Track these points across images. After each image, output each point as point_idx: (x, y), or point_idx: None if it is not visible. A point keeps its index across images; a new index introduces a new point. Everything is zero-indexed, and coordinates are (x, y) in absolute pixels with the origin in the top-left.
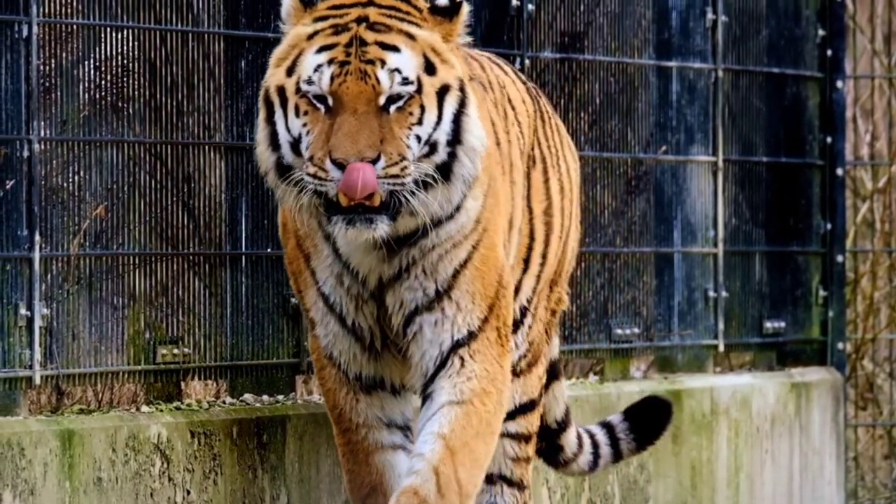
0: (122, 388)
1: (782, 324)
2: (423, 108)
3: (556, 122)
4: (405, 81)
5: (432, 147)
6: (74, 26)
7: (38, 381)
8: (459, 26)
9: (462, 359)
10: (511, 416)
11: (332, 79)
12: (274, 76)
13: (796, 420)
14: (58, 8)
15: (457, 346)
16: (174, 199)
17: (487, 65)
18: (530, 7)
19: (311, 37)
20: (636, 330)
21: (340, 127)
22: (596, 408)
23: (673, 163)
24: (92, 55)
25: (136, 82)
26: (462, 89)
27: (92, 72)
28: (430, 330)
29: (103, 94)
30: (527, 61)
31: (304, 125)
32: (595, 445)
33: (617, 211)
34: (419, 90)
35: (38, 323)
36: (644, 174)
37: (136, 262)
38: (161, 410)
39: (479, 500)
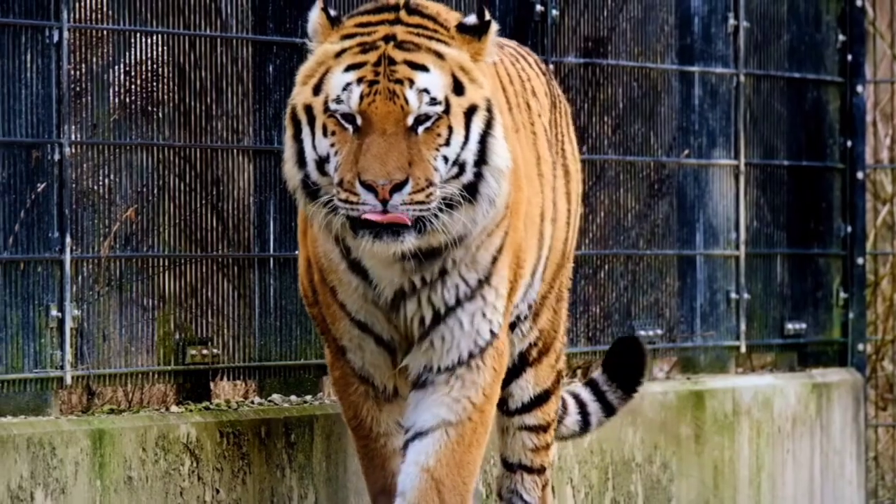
0: (152, 388)
1: (803, 325)
2: (450, 129)
3: (564, 105)
4: (433, 102)
5: (461, 168)
6: (104, 31)
7: (69, 381)
8: (488, 45)
9: (484, 358)
10: (527, 408)
11: (361, 98)
12: (301, 94)
13: (817, 420)
14: (88, 13)
15: (486, 344)
16: (203, 201)
17: (509, 61)
18: (554, 12)
19: (338, 55)
20: (659, 331)
21: (369, 148)
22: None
23: (695, 166)
24: (122, 60)
25: (166, 87)
26: (489, 109)
27: (122, 76)
28: (468, 320)
29: (133, 98)
30: (551, 66)
31: (332, 145)
32: (581, 405)
33: (640, 214)
34: (447, 110)
35: (69, 324)
36: (667, 177)
37: (166, 263)
38: (190, 410)
39: (500, 484)
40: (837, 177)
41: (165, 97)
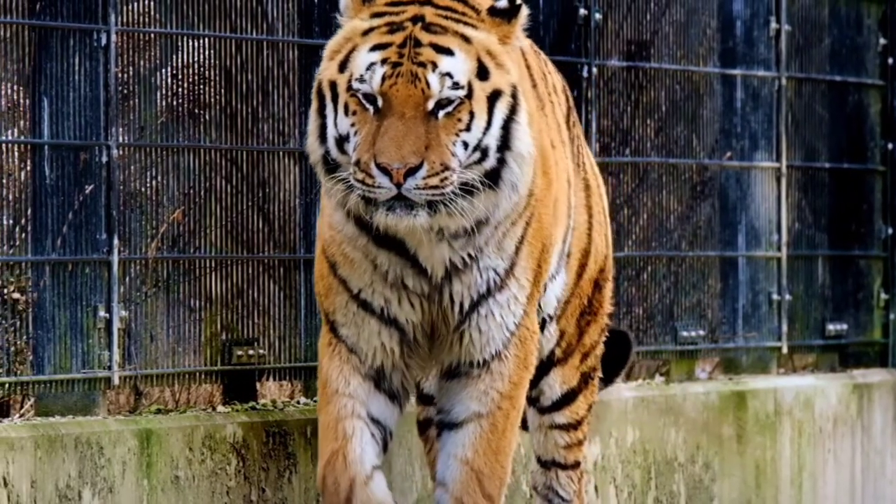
0: (199, 388)
1: (844, 326)
2: (472, 115)
3: (574, 116)
4: (456, 86)
5: (483, 153)
6: (152, 35)
7: (116, 381)
8: (517, 29)
9: (510, 347)
10: (557, 406)
11: (383, 79)
12: (327, 69)
13: (858, 420)
14: (136, 17)
15: (510, 335)
16: (249, 203)
17: (532, 56)
18: (598, 16)
19: (366, 33)
20: (701, 332)
21: (387, 130)
22: (662, 408)
23: (737, 168)
24: (169, 63)
25: (213, 89)
26: (514, 95)
27: (169, 79)
28: (498, 311)
29: (180, 100)
30: (594, 69)
31: (353, 125)
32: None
33: (682, 215)
34: (469, 95)
35: (116, 325)
36: (709, 179)
37: (213, 265)
38: (237, 410)
39: (536, 480)
40: (878, 179)
41: (212, 100)
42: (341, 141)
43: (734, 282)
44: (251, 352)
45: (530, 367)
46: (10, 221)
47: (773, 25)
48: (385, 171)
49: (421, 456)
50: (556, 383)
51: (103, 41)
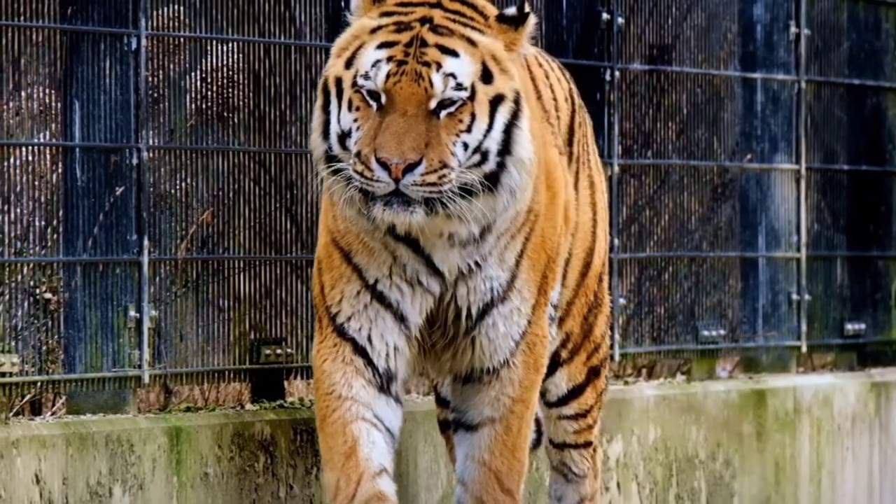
0: (228, 386)
1: (863, 326)
2: (473, 116)
3: (584, 113)
4: (459, 87)
5: (483, 156)
6: (181, 39)
7: (146, 380)
8: (524, 36)
9: (517, 355)
10: (563, 401)
11: (387, 76)
12: (334, 66)
13: (876, 418)
14: (166, 21)
15: (516, 344)
16: (277, 205)
17: (535, 67)
18: (620, 20)
19: (374, 31)
20: (722, 331)
21: (388, 126)
22: (683, 406)
23: (757, 171)
24: (198, 67)
25: (241, 93)
26: (517, 101)
27: (198, 83)
28: (503, 323)
29: (209, 104)
30: (617, 73)
31: (355, 120)
32: (537, 423)
33: (703, 217)
34: (472, 97)
35: (146, 324)
36: (730, 181)
37: (241, 265)
38: (265, 408)
39: (552, 457)
40: None
41: (241, 103)
42: (343, 137)
43: (754, 282)
44: (279, 351)
45: (541, 370)
46: (43, 222)
47: (793, 30)
48: (384, 165)
49: (446, 453)
50: (561, 382)
51: (134, 45)
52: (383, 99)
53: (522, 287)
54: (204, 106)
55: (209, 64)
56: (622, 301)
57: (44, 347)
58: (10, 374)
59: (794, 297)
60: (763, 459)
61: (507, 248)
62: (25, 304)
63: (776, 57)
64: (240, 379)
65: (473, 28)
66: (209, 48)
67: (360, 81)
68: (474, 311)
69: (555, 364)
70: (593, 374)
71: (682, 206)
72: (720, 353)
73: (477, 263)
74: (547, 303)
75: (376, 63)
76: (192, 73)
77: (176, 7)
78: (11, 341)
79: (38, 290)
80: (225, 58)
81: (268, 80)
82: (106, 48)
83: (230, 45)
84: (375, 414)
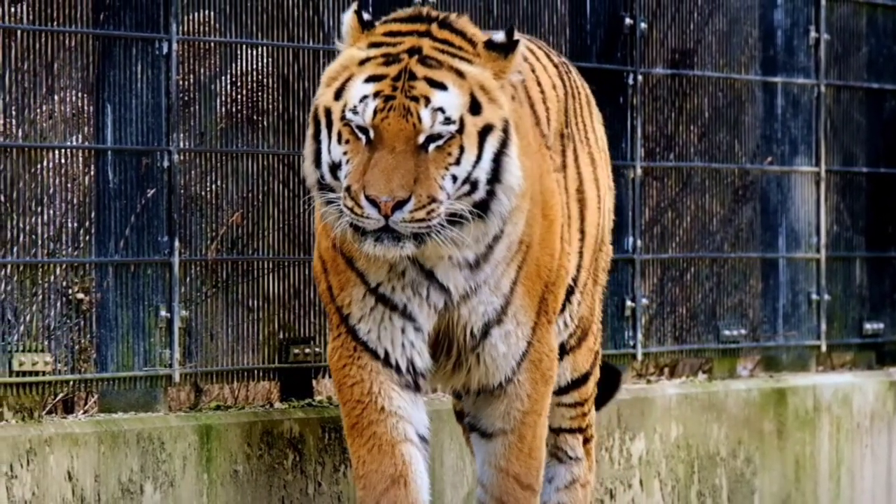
0: (257, 385)
1: (881, 325)
2: (462, 149)
3: (586, 93)
4: (447, 121)
5: (473, 185)
6: (212, 44)
7: (177, 379)
8: (513, 64)
9: (518, 380)
10: (565, 390)
11: (375, 113)
12: (323, 96)
13: (894, 417)
14: (196, 26)
15: (518, 363)
16: (306, 207)
17: (532, 84)
18: (643, 26)
19: (362, 62)
20: (743, 331)
21: (377, 163)
22: (705, 405)
23: (778, 173)
24: (228, 71)
25: (270, 96)
26: (505, 130)
27: (228, 86)
28: (503, 344)
29: (239, 107)
30: (639, 77)
31: (345, 153)
32: None
33: (725, 218)
34: (461, 130)
35: (177, 324)
36: (750, 184)
37: (270, 266)
38: (294, 407)
39: (547, 441)
40: None
41: (270, 107)
42: (334, 168)
43: (775, 282)
44: (307, 350)
45: (550, 382)
46: (75, 224)
47: (813, 35)
48: (373, 202)
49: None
50: (566, 371)
51: (165, 50)
52: (372, 134)
53: (517, 312)
54: (234, 109)
55: (239, 68)
56: (645, 301)
57: (76, 347)
58: (44, 373)
59: (814, 297)
60: (783, 457)
61: (503, 276)
62: (58, 304)
63: (796, 61)
64: (269, 378)
65: (462, 58)
66: (239, 52)
67: (349, 115)
68: (476, 331)
69: (561, 353)
70: (595, 361)
71: (704, 208)
72: (741, 352)
73: (476, 287)
74: (551, 321)
75: (364, 98)
76: (222, 77)
77: (206, 12)
78: (44, 341)
79: (70, 291)
80: (254, 62)
81: (296, 83)
82: (138, 53)
83: (259, 49)
84: (415, 426)
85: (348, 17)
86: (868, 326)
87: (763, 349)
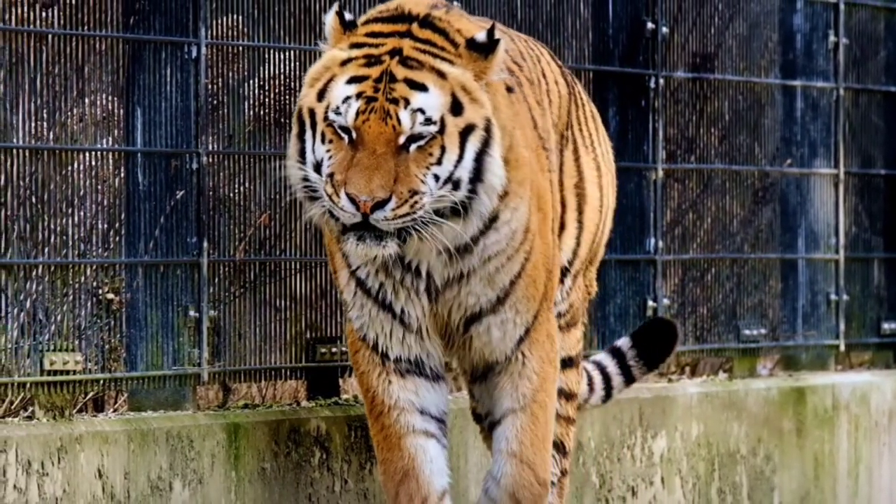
0: (284, 384)
1: None
2: (443, 149)
3: (591, 109)
4: (428, 122)
5: (455, 184)
6: (240, 48)
7: (205, 378)
8: (494, 64)
9: (523, 354)
10: None
11: (357, 114)
12: (307, 97)
13: None
14: (225, 30)
15: (519, 342)
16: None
17: (521, 41)
18: (664, 30)
19: (344, 63)
20: (763, 331)
21: (359, 162)
22: (725, 403)
23: (797, 175)
24: (256, 74)
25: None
26: (488, 129)
27: (256, 90)
28: (497, 329)
29: (267, 110)
30: (661, 80)
31: (328, 151)
32: (606, 378)
33: (745, 220)
34: (442, 130)
35: (205, 324)
36: (770, 185)
37: (297, 266)
38: (320, 405)
39: None
40: None
41: None
42: (318, 166)
43: (794, 283)
44: (334, 349)
45: (554, 363)
46: (105, 225)
47: (832, 39)
48: (352, 200)
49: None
50: None
51: (194, 54)
52: (354, 135)
53: (518, 302)
54: (262, 112)
55: (267, 71)
56: (666, 301)
57: (106, 346)
58: (74, 372)
59: (833, 297)
60: (802, 455)
61: (501, 270)
62: (89, 304)
63: (815, 65)
64: (296, 377)
65: (443, 59)
66: (267, 56)
67: (332, 116)
68: (461, 319)
69: None
70: (580, 354)
71: (725, 210)
72: (761, 351)
73: (461, 276)
74: (551, 307)
75: (346, 99)
76: (251, 81)
77: (235, 17)
78: (75, 340)
79: (101, 291)
80: (282, 66)
81: None
82: (167, 56)
83: (287, 53)
84: (423, 413)
85: (330, 18)
86: (886, 326)
87: (782, 348)
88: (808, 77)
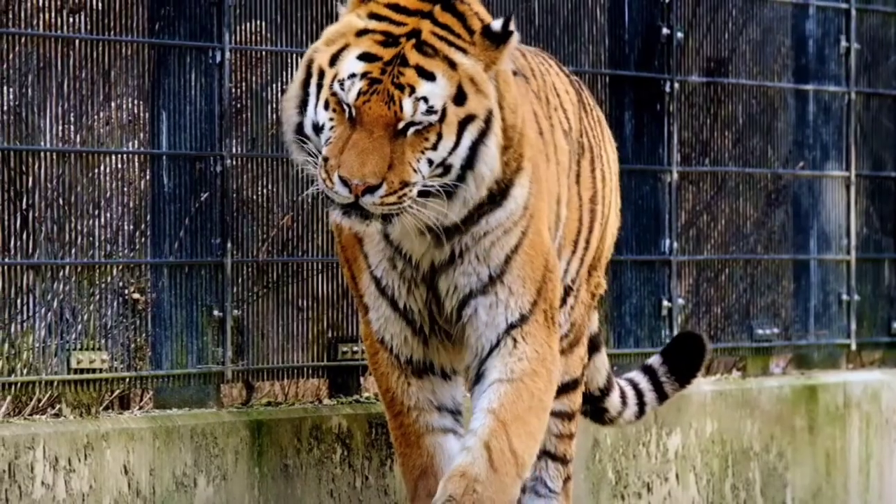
0: (306, 382)
1: None
2: (440, 136)
3: (597, 114)
4: (429, 111)
5: (446, 169)
6: (263, 52)
7: (229, 376)
8: (505, 55)
9: (514, 340)
10: (556, 395)
11: (358, 94)
12: (321, 53)
13: None
14: (248, 35)
15: (510, 328)
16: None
17: (531, 56)
18: (679, 35)
19: (360, 34)
20: (775, 330)
21: (355, 144)
22: (739, 401)
23: (809, 177)
24: (279, 79)
25: None
26: (488, 120)
27: (279, 94)
28: (485, 312)
29: None
30: (676, 85)
31: (330, 119)
32: (639, 395)
33: (758, 221)
34: (442, 119)
35: (229, 323)
36: (783, 188)
37: (319, 267)
38: (342, 403)
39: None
40: None
41: None
42: (318, 128)
43: (806, 283)
44: (355, 348)
45: (547, 370)
46: (131, 226)
47: (843, 44)
48: (345, 183)
49: None
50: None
51: (218, 58)
52: (353, 113)
53: (513, 282)
54: None
55: (289, 76)
56: (681, 301)
57: (132, 345)
58: (101, 371)
59: (844, 297)
60: (814, 452)
61: (495, 245)
62: (115, 303)
63: (827, 70)
64: (318, 375)
65: (458, 47)
66: (289, 61)
67: (336, 88)
68: (453, 308)
69: None
70: (584, 372)
71: (738, 211)
72: (774, 350)
73: (451, 258)
74: (553, 317)
75: (352, 76)
76: (273, 85)
77: (258, 22)
78: (101, 339)
79: (126, 291)
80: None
81: None
82: (191, 61)
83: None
84: (440, 410)
85: None
86: None
87: (795, 347)
88: (821, 81)
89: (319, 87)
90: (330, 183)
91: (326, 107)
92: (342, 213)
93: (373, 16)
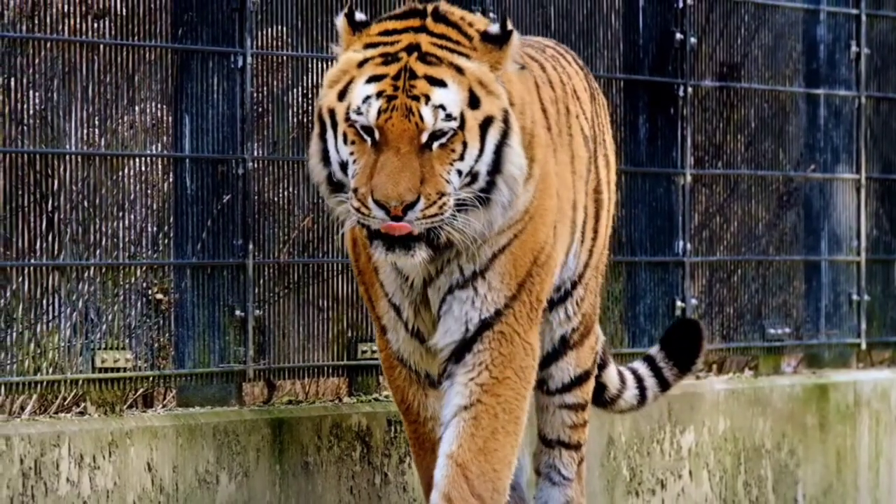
0: (327, 381)
1: None
2: (465, 144)
3: (601, 99)
4: (449, 118)
5: (473, 177)
6: (284, 57)
7: (251, 375)
8: (509, 54)
9: (482, 342)
10: (567, 388)
11: (378, 113)
12: (327, 97)
13: None
14: (270, 41)
15: (482, 325)
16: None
17: (551, 62)
18: (693, 40)
19: (361, 64)
20: (787, 330)
21: (384, 166)
22: (751, 399)
23: (820, 180)
24: (300, 83)
25: None
26: (505, 120)
27: (300, 98)
28: (458, 307)
29: (310, 118)
30: (689, 89)
31: (352, 153)
32: (639, 380)
33: (770, 223)
34: (462, 126)
35: (251, 323)
36: (794, 190)
37: (339, 268)
38: (361, 402)
39: (539, 460)
40: None
41: None
42: (344, 166)
43: (817, 284)
44: (374, 348)
45: (520, 373)
46: (155, 228)
47: (854, 49)
48: (382, 206)
49: (527, 444)
50: (569, 366)
51: (240, 63)
52: (376, 134)
53: (493, 278)
54: (305, 120)
55: (310, 80)
56: (694, 301)
57: (155, 345)
58: (125, 370)
59: (855, 297)
60: (825, 449)
61: (483, 246)
62: (139, 304)
63: (838, 74)
64: (337, 374)
65: (460, 53)
66: (310, 66)
67: (353, 116)
68: (437, 301)
69: (564, 347)
70: (595, 361)
71: (750, 213)
72: (785, 350)
73: (441, 267)
74: (535, 308)
75: (367, 98)
76: (295, 89)
77: (279, 27)
78: (125, 339)
79: (150, 291)
80: (325, 75)
81: None
82: (214, 66)
83: (330, 62)
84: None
85: (340, 22)
86: None
87: (806, 347)
88: (831, 86)
89: (335, 125)
90: (366, 209)
91: (346, 141)
92: (385, 249)
93: (368, 45)
